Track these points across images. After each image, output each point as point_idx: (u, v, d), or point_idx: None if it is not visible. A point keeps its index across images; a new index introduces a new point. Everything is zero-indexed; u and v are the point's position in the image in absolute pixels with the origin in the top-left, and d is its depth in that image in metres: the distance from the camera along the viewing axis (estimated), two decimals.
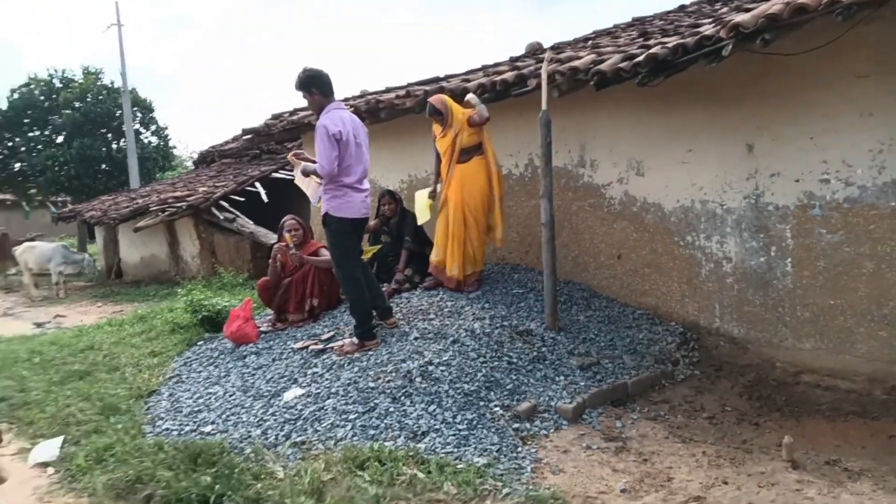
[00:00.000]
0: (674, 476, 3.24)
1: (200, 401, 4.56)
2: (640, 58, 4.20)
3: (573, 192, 5.90)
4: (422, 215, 5.78)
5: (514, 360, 4.36)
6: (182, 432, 4.12)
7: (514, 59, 8.49)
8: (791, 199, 4.46)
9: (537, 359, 4.45)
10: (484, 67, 8.35)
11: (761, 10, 3.86)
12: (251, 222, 11.13)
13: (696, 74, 4.51)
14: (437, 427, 3.67)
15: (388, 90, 8.22)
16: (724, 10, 5.97)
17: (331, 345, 4.88)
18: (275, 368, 4.79)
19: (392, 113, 6.44)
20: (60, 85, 19.60)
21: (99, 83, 19.68)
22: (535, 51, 8.76)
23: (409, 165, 7.22)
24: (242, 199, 11.54)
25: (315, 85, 4.59)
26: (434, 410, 3.81)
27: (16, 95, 19.26)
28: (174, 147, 22.28)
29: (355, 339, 4.71)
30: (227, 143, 15.20)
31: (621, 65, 4.39)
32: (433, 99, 5.47)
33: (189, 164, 25.11)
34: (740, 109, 4.70)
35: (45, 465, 4.00)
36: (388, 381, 4.08)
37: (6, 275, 15.27)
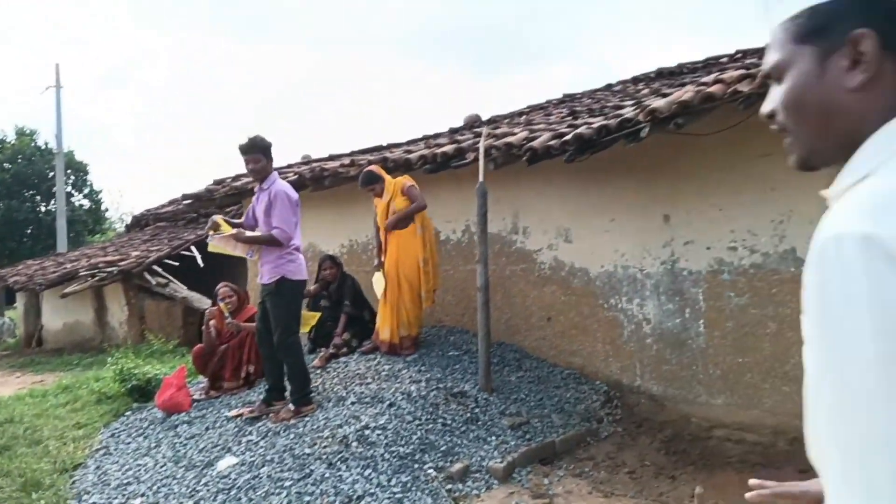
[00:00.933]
0: None
1: (129, 473, 4.45)
2: (568, 136, 4.54)
3: (507, 256, 6.14)
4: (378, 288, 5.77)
5: (449, 422, 4.46)
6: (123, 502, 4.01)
7: (453, 131, 8.89)
8: (703, 264, 4.81)
9: (470, 420, 4.56)
10: (425, 138, 8.71)
11: (675, 96, 4.27)
12: (185, 287, 10.96)
13: (619, 152, 4.87)
14: (372, 491, 3.71)
15: (331, 157, 8.45)
16: (646, 90, 6.49)
17: (264, 412, 4.86)
18: (208, 437, 4.72)
19: (336, 181, 6.63)
20: None
21: (32, 144, 19.20)
22: (472, 123, 9.20)
23: (349, 231, 7.36)
24: (177, 264, 11.37)
25: (269, 151, 4.82)
26: (370, 474, 3.85)
27: None
28: (106, 210, 21.74)
29: (291, 406, 4.72)
30: (162, 206, 15.02)
31: (551, 142, 4.72)
32: (366, 170, 5.70)
33: (119, 226, 24.52)
34: (657, 184, 5.09)
35: None
36: (325, 447, 4.10)
37: None
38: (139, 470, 4.47)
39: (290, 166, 8.70)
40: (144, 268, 10.94)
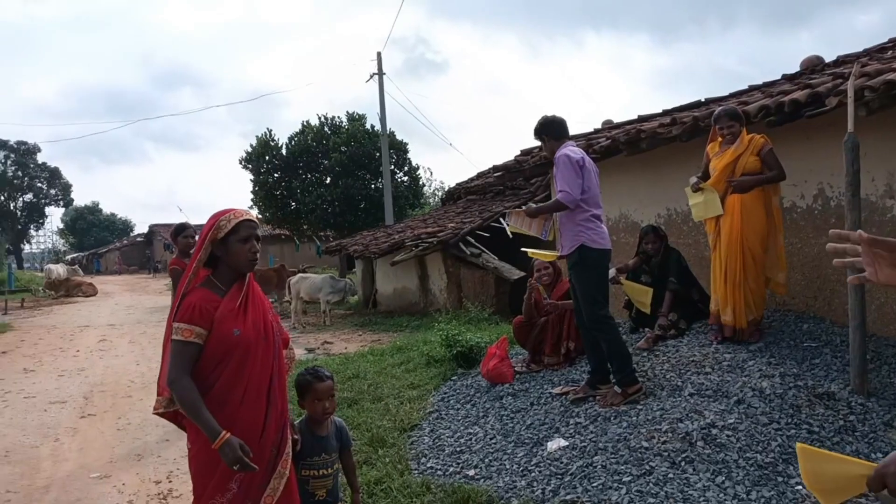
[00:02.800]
0: None
1: (461, 441, 4.55)
2: None
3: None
4: (712, 209, 4.97)
5: (816, 430, 3.68)
6: (446, 473, 4.11)
7: (789, 77, 7.62)
8: None
9: (844, 429, 3.72)
10: (753, 88, 7.61)
11: None
12: (495, 257, 11.32)
13: None
14: (727, 502, 3.19)
15: (640, 119, 7.83)
16: None
17: (591, 394, 4.59)
18: (534, 413, 4.62)
19: (654, 142, 6.03)
20: (329, 131, 22.11)
21: (362, 128, 21.82)
22: (813, 66, 7.79)
23: (667, 198, 6.70)
24: (487, 235, 11.81)
25: (545, 132, 4.59)
26: (723, 483, 3.32)
27: (293, 143, 22.11)
28: (424, 185, 23.89)
29: (617, 388, 4.38)
30: (471, 179, 15.78)
31: None
32: (731, 106, 5.00)
33: (433, 201, 26.75)
34: None
35: None
36: (664, 443, 3.67)
37: (282, 301, 17.34)
38: (470, 439, 4.54)
39: (598, 132, 8.29)
40: (459, 238, 11.56)
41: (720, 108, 5.01)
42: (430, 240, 11.91)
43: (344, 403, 5.91)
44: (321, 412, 2.81)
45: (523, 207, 4.72)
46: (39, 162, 55.84)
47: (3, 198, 54.10)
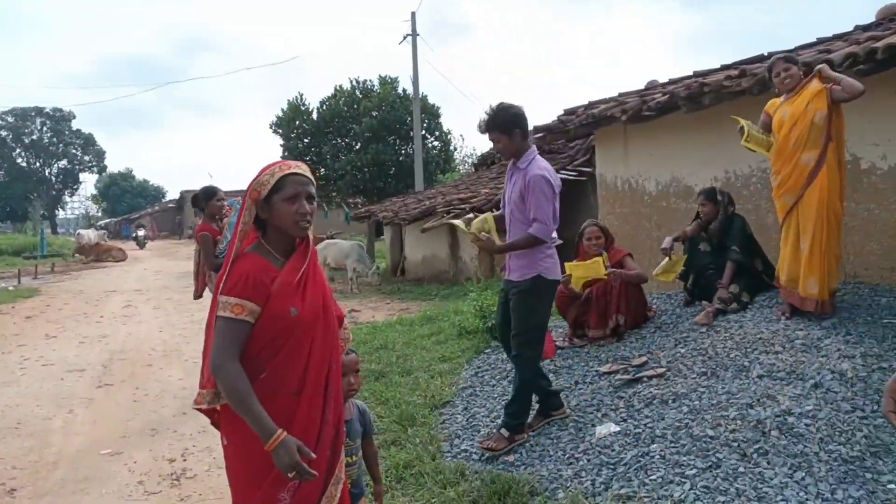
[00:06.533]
0: None
1: (498, 421, 4.15)
2: None
3: None
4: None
5: None
6: (482, 457, 3.73)
7: (864, 27, 6.93)
8: None
9: None
10: (822, 41, 6.93)
11: None
12: None
13: None
14: (809, 502, 2.75)
15: (697, 74, 7.21)
16: None
17: (644, 373, 4.15)
18: (579, 393, 4.21)
19: (718, 97, 5.44)
20: (361, 95, 21.64)
21: (394, 92, 21.29)
22: (893, 15, 7.07)
23: (726, 160, 6.12)
24: None
25: (520, 125, 3.68)
26: (803, 479, 2.87)
27: (324, 107, 21.71)
28: (455, 150, 23.34)
29: (504, 432, 3.79)
30: None
31: None
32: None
33: (462, 168, 26.19)
34: None
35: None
36: (733, 431, 3.23)
37: None
38: None
39: (649, 89, 7.67)
40: (493, 205, 11.07)
41: (775, 58, 4.41)
42: (461, 206, 11.46)
43: (371, 376, 5.58)
44: (346, 389, 2.40)
45: (482, 236, 3.97)
46: (74, 129, 56.49)
47: (38, 164, 54.95)
